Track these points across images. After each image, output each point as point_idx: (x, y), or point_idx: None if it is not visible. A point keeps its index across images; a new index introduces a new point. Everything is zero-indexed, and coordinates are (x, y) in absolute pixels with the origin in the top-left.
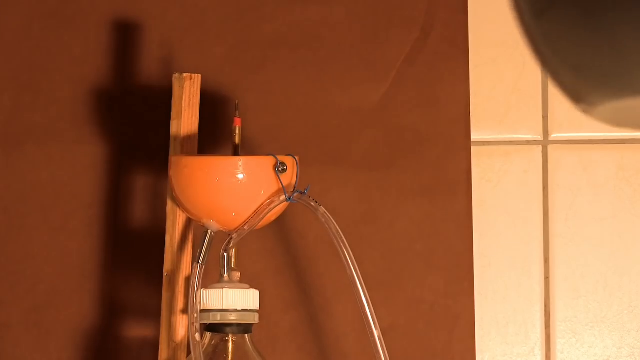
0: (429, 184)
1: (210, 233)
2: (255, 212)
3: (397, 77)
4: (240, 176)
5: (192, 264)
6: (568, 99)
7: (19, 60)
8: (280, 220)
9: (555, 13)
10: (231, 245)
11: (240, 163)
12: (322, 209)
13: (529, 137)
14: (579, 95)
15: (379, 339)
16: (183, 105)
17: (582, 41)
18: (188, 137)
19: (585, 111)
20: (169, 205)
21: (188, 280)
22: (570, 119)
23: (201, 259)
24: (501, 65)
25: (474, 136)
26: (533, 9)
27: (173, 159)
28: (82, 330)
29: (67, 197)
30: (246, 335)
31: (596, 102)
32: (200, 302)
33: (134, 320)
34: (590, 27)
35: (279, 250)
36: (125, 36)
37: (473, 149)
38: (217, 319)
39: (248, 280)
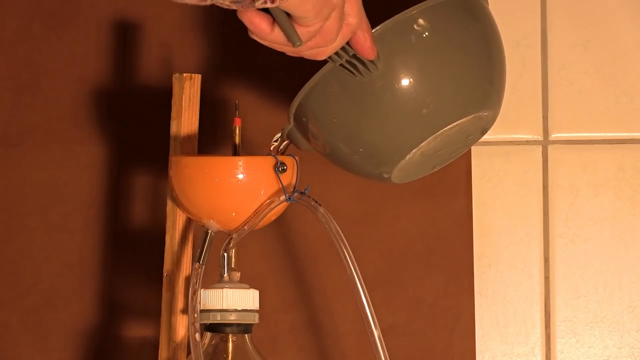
0: (429, 184)
1: (210, 233)
2: (255, 212)
3: None
4: (240, 176)
5: (192, 264)
6: (377, 181)
7: (19, 60)
8: (280, 220)
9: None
10: (231, 245)
11: (240, 163)
12: (322, 209)
13: (529, 137)
14: (377, 174)
15: (379, 339)
16: (183, 105)
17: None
18: (188, 137)
19: (390, 181)
20: (169, 205)
21: (188, 280)
22: (570, 119)
23: (201, 259)
24: None
25: None
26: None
27: (173, 159)
28: (82, 330)
29: (67, 197)
30: (246, 335)
31: (387, 171)
32: (200, 302)
33: (134, 320)
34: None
35: (279, 251)
36: (125, 36)
37: (473, 149)
38: (217, 319)
39: (248, 281)
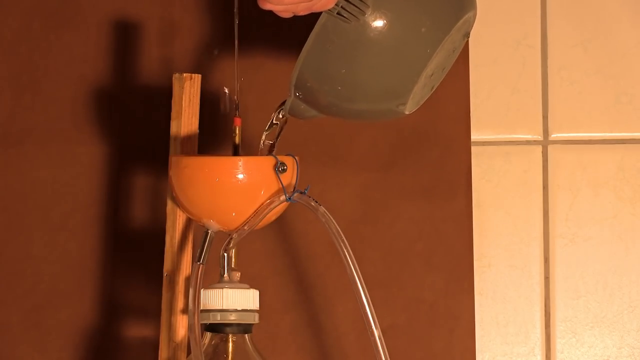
0: (429, 184)
1: (210, 233)
2: (255, 212)
3: None
4: (240, 176)
5: (192, 263)
6: (390, 117)
7: (19, 60)
8: (280, 220)
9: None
10: (231, 245)
11: (240, 163)
12: (322, 209)
13: (529, 137)
14: (393, 109)
15: (379, 339)
16: (183, 105)
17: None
18: (188, 137)
19: (402, 113)
20: (169, 205)
21: (188, 280)
22: (570, 119)
23: (201, 259)
24: (501, 65)
25: (474, 136)
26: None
27: (173, 159)
28: (82, 330)
29: (67, 197)
30: (246, 335)
31: (403, 102)
32: (200, 302)
33: (134, 320)
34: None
35: (279, 251)
36: (125, 36)
37: (473, 149)
38: (217, 319)
39: (248, 281)
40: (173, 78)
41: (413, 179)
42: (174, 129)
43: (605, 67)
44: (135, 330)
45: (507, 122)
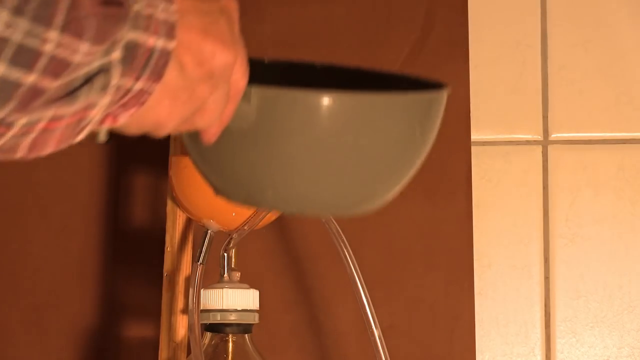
0: (429, 184)
1: (210, 233)
2: (255, 212)
3: None
4: None
5: (192, 263)
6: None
7: None
8: (280, 220)
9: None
10: (231, 245)
11: None
12: None
13: (529, 137)
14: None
15: (379, 339)
16: None
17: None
18: None
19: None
20: (169, 205)
21: (188, 280)
22: (570, 119)
23: (201, 258)
24: (501, 65)
25: (474, 136)
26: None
27: (173, 159)
28: (82, 330)
29: (67, 197)
30: (246, 335)
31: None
32: (200, 302)
33: (134, 320)
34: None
35: (279, 250)
36: None
37: (473, 149)
38: (217, 319)
39: (248, 281)
40: None
41: (413, 179)
42: None
43: (605, 67)
44: (135, 330)
45: (507, 122)
